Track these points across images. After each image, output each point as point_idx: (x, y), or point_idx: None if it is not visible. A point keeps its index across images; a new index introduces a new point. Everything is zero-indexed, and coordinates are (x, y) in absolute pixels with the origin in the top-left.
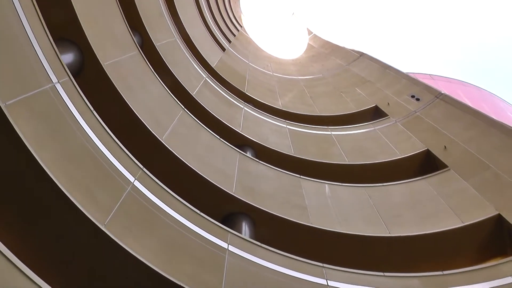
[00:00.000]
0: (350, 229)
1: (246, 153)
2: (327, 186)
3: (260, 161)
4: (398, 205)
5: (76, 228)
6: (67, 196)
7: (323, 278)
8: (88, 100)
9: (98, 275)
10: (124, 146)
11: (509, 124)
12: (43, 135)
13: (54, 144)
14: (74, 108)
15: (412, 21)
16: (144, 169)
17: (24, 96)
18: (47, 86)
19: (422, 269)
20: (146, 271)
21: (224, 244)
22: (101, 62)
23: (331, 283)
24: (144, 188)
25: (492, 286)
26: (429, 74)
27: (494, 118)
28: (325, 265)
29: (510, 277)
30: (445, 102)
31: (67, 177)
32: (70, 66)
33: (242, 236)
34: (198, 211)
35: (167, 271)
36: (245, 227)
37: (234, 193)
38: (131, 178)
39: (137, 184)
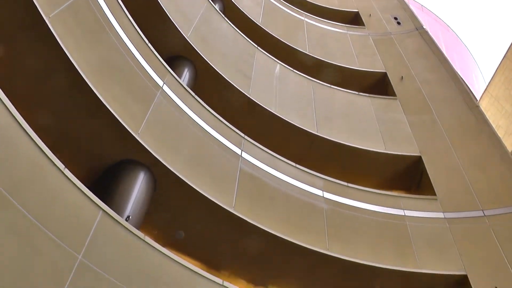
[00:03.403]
0: (284, 114)
1: (215, 4)
2: (278, 66)
3: (225, 17)
4: (336, 110)
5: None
6: None
7: (239, 148)
8: None
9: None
10: None
11: (467, 84)
12: None
13: None
14: None
15: None
16: None
17: None
18: None
19: (331, 174)
20: (78, 80)
21: (159, 82)
22: None
23: (244, 155)
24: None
25: (385, 211)
26: (422, 5)
27: (458, 72)
28: (246, 136)
29: (403, 210)
30: (421, 37)
31: None
32: None
33: (180, 80)
34: (147, 41)
35: (96, 86)
36: (186, 75)
37: (188, 37)
38: None
39: None
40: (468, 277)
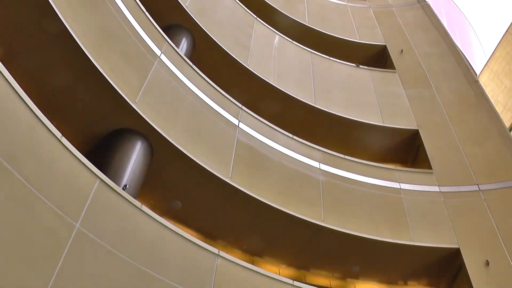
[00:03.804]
0: (282, 85)
1: None
2: (277, 37)
3: None
4: (334, 82)
5: None
6: None
7: (237, 119)
8: None
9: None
10: None
11: (468, 58)
12: None
13: None
14: None
15: None
16: None
17: None
18: None
19: (328, 146)
20: (75, 49)
21: (157, 51)
22: None
23: (242, 125)
24: None
25: (380, 184)
26: None
27: (458, 46)
28: (243, 107)
29: (398, 183)
30: (423, 10)
31: None
32: None
33: (177, 50)
34: (144, 10)
35: (93, 55)
36: (184, 44)
37: (186, 6)
38: None
39: None
40: (461, 250)
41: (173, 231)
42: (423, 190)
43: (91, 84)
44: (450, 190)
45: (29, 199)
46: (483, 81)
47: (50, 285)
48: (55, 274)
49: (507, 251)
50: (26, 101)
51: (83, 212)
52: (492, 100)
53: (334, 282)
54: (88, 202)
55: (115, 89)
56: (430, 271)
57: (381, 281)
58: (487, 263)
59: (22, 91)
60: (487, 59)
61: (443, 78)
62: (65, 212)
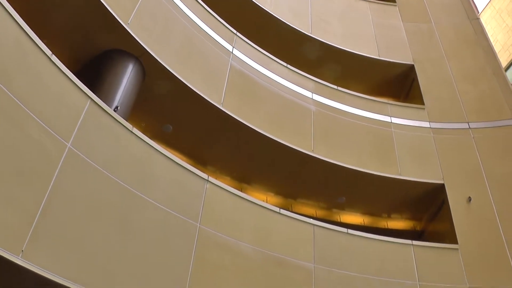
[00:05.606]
0: (278, 13)
1: None
2: None
3: None
4: (332, 13)
5: None
6: None
7: (231, 45)
8: None
9: None
10: None
11: None
12: None
13: None
14: None
15: None
16: None
17: None
18: None
19: (321, 77)
20: None
21: None
22: None
23: (236, 52)
24: None
25: (371, 117)
26: None
27: None
28: (238, 33)
29: (389, 117)
30: None
31: None
32: None
33: None
34: None
35: None
36: None
37: None
38: None
39: None
40: (445, 186)
41: (164, 154)
42: (413, 125)
43: (82, 2)
44: (440, 126)
45: (20, 117)
46: (484, 19)
47: (43, 203)
48: (47, 193)
49: (490, 189)
50: (15, 17)
51: (74, 132)
52: (491, 39)
53: (319, 212)
54: (79, 122)
55: (107, 8)
56: (414, 205)
57: (365, 213)
58: (469, 199)
59: (11, 7)
60: None
61: (443, 13)
62: (56, 131)
